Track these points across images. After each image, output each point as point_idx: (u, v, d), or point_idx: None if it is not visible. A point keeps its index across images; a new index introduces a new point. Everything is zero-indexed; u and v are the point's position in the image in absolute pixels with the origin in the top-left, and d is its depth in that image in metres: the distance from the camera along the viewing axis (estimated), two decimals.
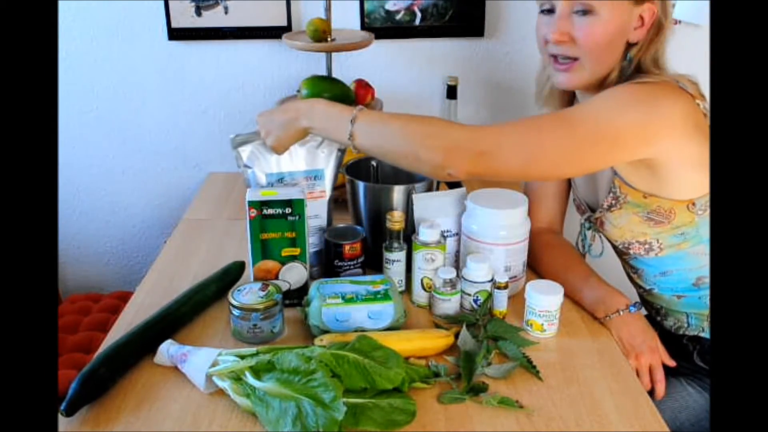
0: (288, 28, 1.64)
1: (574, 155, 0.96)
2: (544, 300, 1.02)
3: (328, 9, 1.53)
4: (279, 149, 1.09)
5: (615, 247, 1.20)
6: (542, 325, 1.03)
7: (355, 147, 1.01)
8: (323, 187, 1.15)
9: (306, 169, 1.13)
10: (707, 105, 1.00)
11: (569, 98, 1.19)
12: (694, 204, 1.04)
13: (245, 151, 1.10)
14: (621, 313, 1.06)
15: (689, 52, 1.41)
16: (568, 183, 1.27)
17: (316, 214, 1.15)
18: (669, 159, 0.99)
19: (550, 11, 1.03)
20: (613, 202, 1.09)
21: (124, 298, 1.54)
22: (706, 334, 1.14)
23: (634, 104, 0.96)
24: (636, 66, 1.04)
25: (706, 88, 0.98)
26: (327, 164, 1.15)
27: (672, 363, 1.07)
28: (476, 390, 0.91)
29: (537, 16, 1.07)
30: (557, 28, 1.01)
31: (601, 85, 1.05)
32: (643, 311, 1.17)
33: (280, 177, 1.12)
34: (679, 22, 1.60)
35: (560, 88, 1.08)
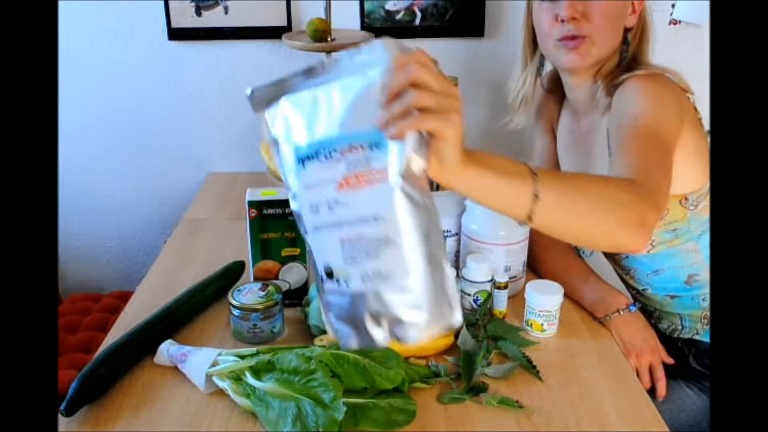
0: (288, 28, 1.64)
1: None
2: (544, 300, 1.02)
3: (328, 9, 1.53)
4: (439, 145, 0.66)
5: None
6: (542, 325, 1.03)
7: (528, 225, 0.74)
8: (383, 161, 0.62)
9: (353, 131, 0.63)
10: (695, 98, 1.04)
11: (544, 102, 1.26)
12: (686, 199, 1.04)
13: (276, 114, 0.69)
14: (621, 312, 1.06)
15: (689, 52, 1.42)
16: None
17: (375, 214, 0.62)
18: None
19: None
20: None
21: (124, 298, 1.54)
22: (700, 337, 1.15)
23: (666, 101, 0.99)
24: (633, 59, 1.08)
25: (706, 88, 0.99)
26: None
27: (671, 361, 1.08)
28: (476, 390, 0.91)
29: (535, 8, 1.11)
30: (570, 5, 1.03)
31: (599, 72, 1.09)
32: None
33: (312, 150, 0.65)
34: (680, 22, 1.60)
35: (569, 67, 1.08)
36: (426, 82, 0.59)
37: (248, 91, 0.69)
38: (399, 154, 0.61)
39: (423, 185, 0.63)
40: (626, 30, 1.08)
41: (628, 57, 1.09)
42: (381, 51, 0.61)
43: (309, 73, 0.65)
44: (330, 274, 0.67)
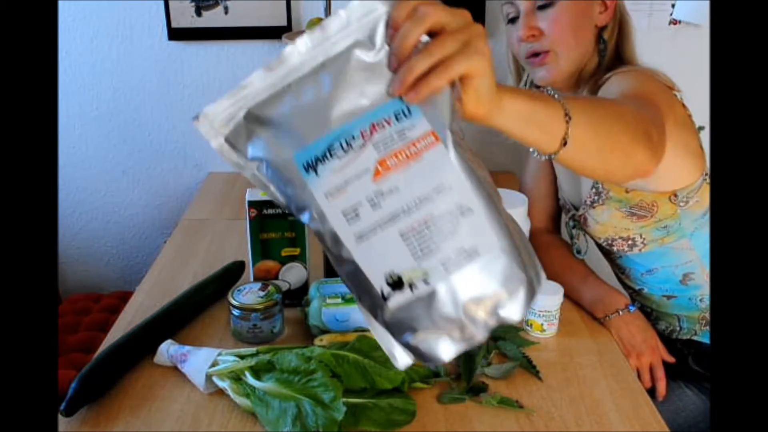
0: (288, 28, 1.64)
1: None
2: (544, 300, 1.02)
3: (328, 9, 1.53)
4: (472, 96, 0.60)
5: (600, 247, 1.20)
6: (542, 325, 1.03)
7: (558, 158, 0.69)
8: (423, 125, 0.54)
9: (366, 109, 0.54)
10: (682, 96, 1.05)
11: None
12: (676, 195, 1.04)
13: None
14: (620, 313, 1.06)
15: (689, 52, 1.42)
16: None
17: (437, 186, 0.54)
18: None
19: (516, 18, 1.09)
20: (596, 197, 1.10)
21: (124, 298, 1.54)
22: (698, 338, 1.15)
23: (657, 87, 1.00)
24: (616, 58, 1.09)
25: (706, 88, 0.99)
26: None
27: (672, 359, 1.08)
28: (476, 390, 0.91)
29: (506, 31, 1.13)
30: (525, 24, 1.06)
31: (580, 77, 1.10)
32: None
33: (321, 149, 0.54)
34: (679, 22, 1.60)
35: (542, 83, 1.10)
36: (440, 23, 0.51)
37: (196, 118, 0.56)
38: (438, 110, 0.53)
39: (465, 144, 0.56)
40: (601, 29, 1.08)
41: (608, 55, 1.09)
42: (362, 11, 0.53)
43: (271, 69, 0.55)
44: (397, 284, 0.54)
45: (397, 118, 0.53)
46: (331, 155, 0.54)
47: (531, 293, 0.54)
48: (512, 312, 0.54)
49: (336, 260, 0.56)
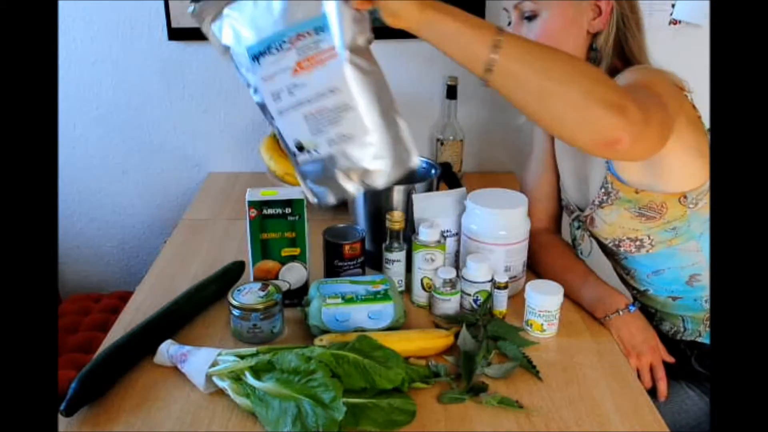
0: None
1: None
2: (544, 300, 1.02)
3: None
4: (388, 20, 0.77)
5: (605, 248, 1.20)
6: (542, 325, 1.03)
7: (490, 84, 0.77)
8: (330, 41, 0.74)
9: (297, 21, 0.74)
10: (692, 96, 1.04)
11: None
12: (685, 197, 1.04)
13: (222, 22, 0.79)
14: (621, 313, 1.06)
15: (689, 52, 1.41)
16: None
17: (331, 87, 0.75)
18: (668, 149, 0.99)
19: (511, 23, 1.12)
20: (605, 198, 1.10)
21: (124, 298, 1.54)
22: (702, 339, 1.14)
23: (665, 81, 0.99)
24: (623, 59, 1.07)
25: (706, 88, 0.99)
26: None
27: (672, 359, 1.08)
28: (476, 390, 0.91)
29: None
30: (512, 30, 1.08)
31: None
32: None
33: (263, 47, 0.76)
34: (679, 22, 1.60)
35: None
36: None
37: (191, 8, 0.79)
38: (341, 31, 0.73)
39: (369, 55, 0.75)
40: (595, 35, 1.07)
41: (609, 59, 1.07)
42: None
43: None
44: (300, 148, 0.80)
45: (316, 32, 0.74)
46: (269, 51, 0.76)
47: (400, 168, 0.77)
48: (375, 180, 0.78)
49: (270, 124, 0.82)
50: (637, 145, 0.80)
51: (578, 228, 1.21)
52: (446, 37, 0.75)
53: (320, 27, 0.73)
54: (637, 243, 1.10)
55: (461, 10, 0.76)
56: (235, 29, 0.78)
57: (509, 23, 1.11)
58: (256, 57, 0.77)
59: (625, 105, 0.77)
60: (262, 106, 0.81)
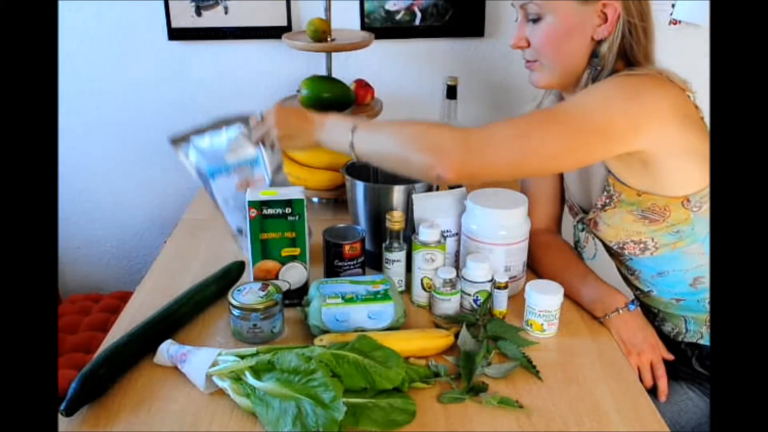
0: (288, 28, 1.64)
1: (563, 150, 0.97)
2: (544, 300, 1.02)
3: (328, 9, 1.53)
4: (284, 146, 1.14)
5: (609, 249, 1.20)
6: (542, 325, 1.03)
7: (356, 156, 1.05)
8: (261, 173, 1.16)
9: (239, 159, 1.15)
10: (696, 97, 1.03)
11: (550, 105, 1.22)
12: (689, 200, 1.04)
13: (191, 151, 1.17)
14: (620, 311, 1.06)
15: (689, 52, 1.41)
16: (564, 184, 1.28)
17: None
18: (660, 151, 0.99)
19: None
20: (607, 201, 1.09)
21: (124, 298, 1.54)
22: (704, 341, 1.14)
23: (620, 95, 0.98)
24: (626, 61, 1.06)
25: (706, 88, 0.99)
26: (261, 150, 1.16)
27: (671, 357, 1.08)
28: (476, 390, 0.91)
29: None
30: (516, 33, 1.09)
31: (576, 83, 1.09)
32: None
33: (217, 171, 1.16)
34: (679, 22, 1.60)
35: (535, 86, 1.13)
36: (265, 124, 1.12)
37: (173, 143, 1.18)
38: (265, 167, 1.15)
39: (280, 169, 1.18)
40: (599, 41, 1.04)
41: (609, 68, 1.05)
42: (237, 130, 1.15)
43: (212, 126, 1.16)
44: (240, 231, 1.17)
45: (251, 166, 1.15)
46: (220, 174, 1.15)
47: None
48: None
49: (220, 212, 1.18)
50: (464, 169, 0.96)
51: (582, 230, 1.21)
52: (329, 136, 1.09)
53: (254, 163, 1.14)
54: (641, 246, 1.10)
55: (331, 113, 1.14)
56: (198, 155, 1.16)
57: (516, 20, 1.10)
58: (213, 175, 1.15)
59: (439, 146, 0.97)
60: (216, 204, 1.18)
